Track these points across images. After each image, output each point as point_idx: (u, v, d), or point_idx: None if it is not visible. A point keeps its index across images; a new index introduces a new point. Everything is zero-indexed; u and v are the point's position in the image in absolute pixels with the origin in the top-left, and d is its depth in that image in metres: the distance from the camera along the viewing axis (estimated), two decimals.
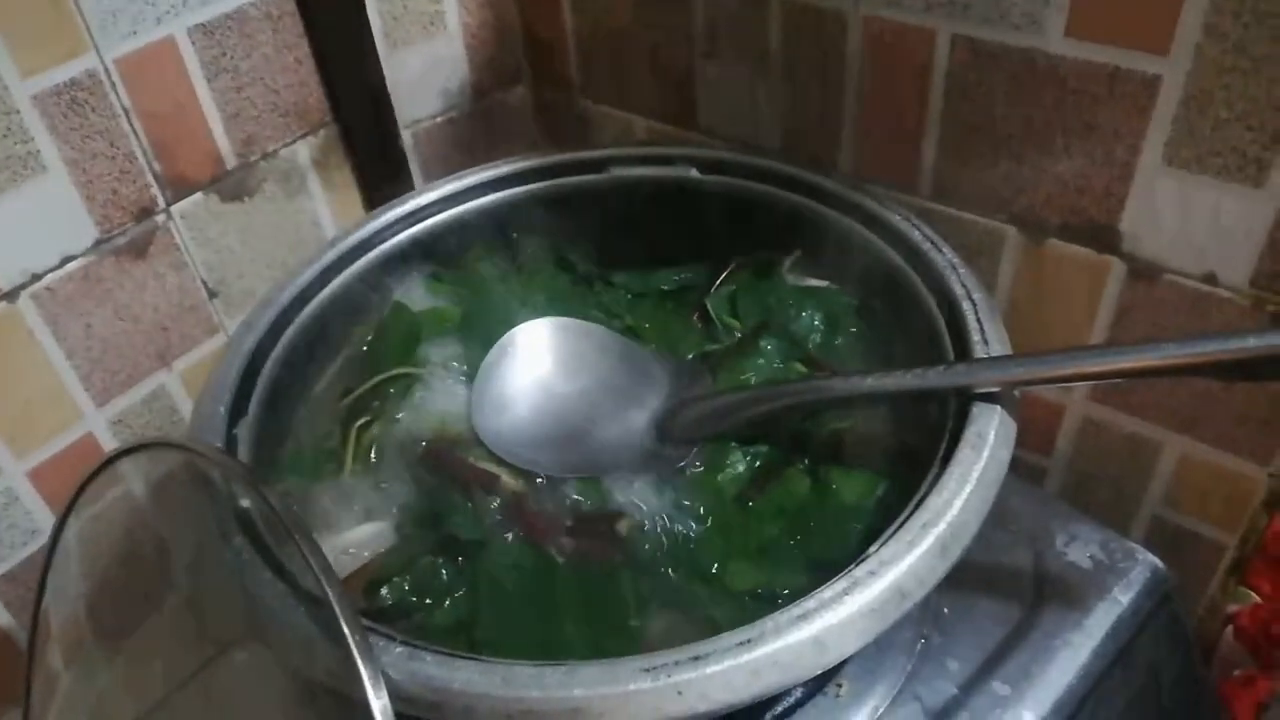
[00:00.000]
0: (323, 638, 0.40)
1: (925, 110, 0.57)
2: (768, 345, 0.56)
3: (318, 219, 0.74)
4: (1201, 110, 0.47)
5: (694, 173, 0.64)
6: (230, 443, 0.49)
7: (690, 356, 0.59)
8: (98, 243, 0.62)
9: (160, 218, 0.65)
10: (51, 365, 0.62)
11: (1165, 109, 0.49)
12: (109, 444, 0.67)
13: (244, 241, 0.70)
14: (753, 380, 0.56)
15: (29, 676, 0.56)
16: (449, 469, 0.52)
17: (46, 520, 0.65)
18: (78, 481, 0.52)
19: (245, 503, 0.46)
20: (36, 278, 0.60)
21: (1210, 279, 0.52)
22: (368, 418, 0.54)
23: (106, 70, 0.59)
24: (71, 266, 0.61)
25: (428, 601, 0.48)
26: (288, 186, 0.71)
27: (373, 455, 0.54)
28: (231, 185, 0.68)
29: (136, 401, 0.67)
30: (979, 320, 0.49)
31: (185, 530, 0.67)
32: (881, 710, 0.50)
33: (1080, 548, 0.55)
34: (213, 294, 0.69)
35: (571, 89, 0.76)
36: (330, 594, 0.39)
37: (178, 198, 0.65)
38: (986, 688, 0.50)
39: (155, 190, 0.64)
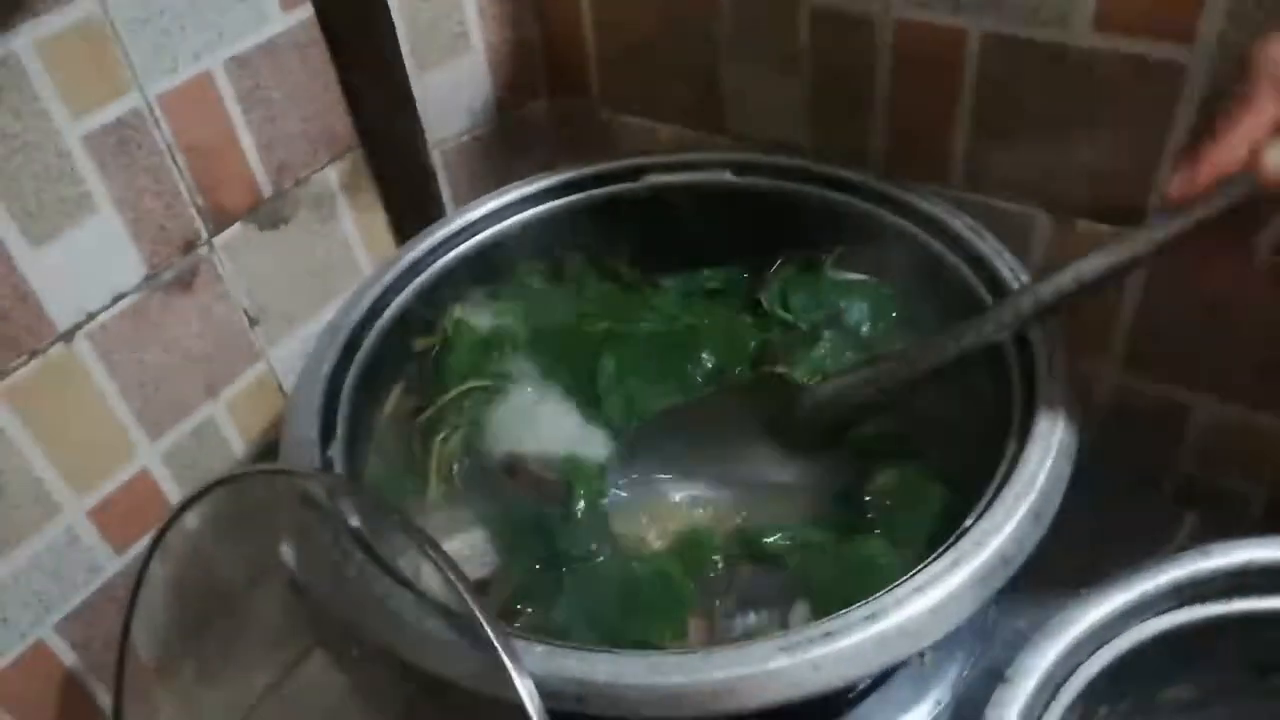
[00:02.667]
0: (463, 643, 0.41)
1: (956, 106, 0.60)
2: (828, 335, 0.58)
3: (348, 242, 0.75)
4: (1224, 96, 0.51)
5: (729, 175, 0.66)
6: (326, 465, 0.50)
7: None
8: (147, 278, 0.62)
9: (204, 250, 0.65)
10: (107, 403, 0.62)
11: (1191, 94, 0.52)
12: (164, 479, 0.67)
13: (281, 268, 0.71)
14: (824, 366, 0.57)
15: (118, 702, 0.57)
16: (529, 483, 0.53)
17: (107, 557, 0.65)
18: (170, 511, 0.52)
19: (354, 522, 0.48)
20: (91, 317, 0.60)
21: None
22: (446, 432, 0.55)
23: (150, 107, 0.60)
24: (123, 304, 0.61)
25: (528, 610, 0.50)
26: (320, 212, 0.72)
27: (454, 468, 0.55)
28: (268, 214, 0.69)
29: (186, 434, 0.68)
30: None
31: (255, 555, 0.68)
32: (965, 673, 0.53)
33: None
34: (254, 322, 0.70)
35: (593, 100, 0.78)
36: (470, 601, 0.41)
37: (219, 229, 0.66)
38: None
39: (199, 223, 0.64)
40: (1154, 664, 0.42)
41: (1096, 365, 0.64)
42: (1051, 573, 0.56)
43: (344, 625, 0.54)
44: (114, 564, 0.65)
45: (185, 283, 0.65)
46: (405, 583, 0.43)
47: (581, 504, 0.52)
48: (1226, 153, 0.39)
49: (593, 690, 0.39)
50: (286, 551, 0.61)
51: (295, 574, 0.59)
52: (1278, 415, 0.60)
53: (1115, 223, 0.59)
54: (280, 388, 0.73)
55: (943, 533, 0.45)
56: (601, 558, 0.51)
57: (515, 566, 0.51)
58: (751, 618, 0.49)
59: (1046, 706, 0.40)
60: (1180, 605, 0.42)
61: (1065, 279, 0.46)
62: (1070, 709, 0.40)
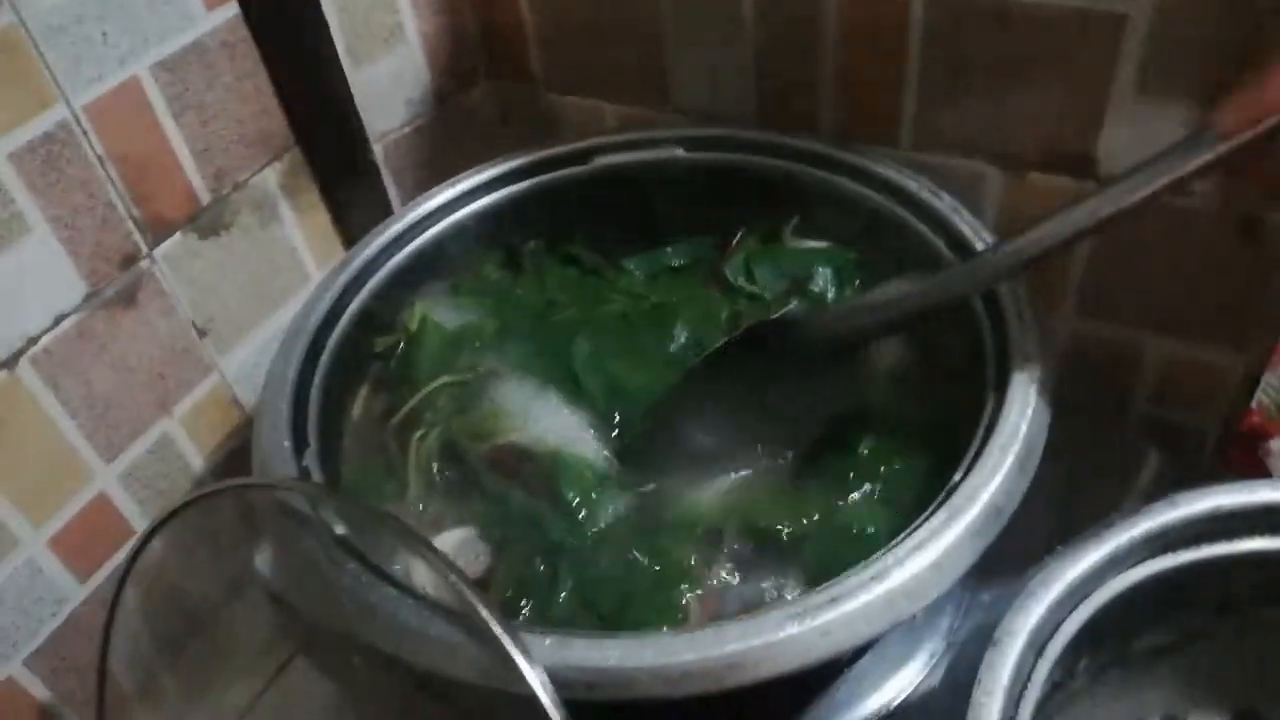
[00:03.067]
0: (470, 642, 0.41)
1: (904, 66, 0.60)
2: (795, 303, 0.59)
3: (293, 245, 0.73)
4: (1167, 41, 0.52)
5: (680, 152, 0.66)
6: (303, 475, 0.49)
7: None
8: (88, 297, 0.60)
9: (145, 263, 0.63)
10: (58, 428, 0.60)
11: (1133, 44, 0.53)
12: (123, 501, 0.65)
13: (226, 277, 0.69)
14: None
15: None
16: (521, 473, 0.53)
17: (72, 587, 0.63)
18: (134, 534, 0.51)
19: (341, 530, 0.46)
20: (33, 341, 0.57)
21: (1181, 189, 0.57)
22: (423, 430, 0.54)
23: (77, 118, 0.57)
24: (66, 325, 0.59)
25: (527, 604, 0.50)
26: (261, 215, 0.70)
27: (434, 466, 0.54)
28: (208, 221, 0.67)
29: (142, 453, 0.66)
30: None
31: (228, 570, 0.67)
32: (956, 625, 0.54)
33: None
34: (202, 333, 0.68)
35: (535, 83, 0.76)
36: (474, 599, 0.40)
37: (159, 240, 0.64)
38: None
39: (137, 236, 0.62)
40: (1130, 613, 0.44)
41: (1052, 312, 0.66)
42: (1027, 515, 0.58)
43: (337, 634, 0.53)
44: (79, 593, 0.63)
45: (128, 298, 0.62)
46: (403, 587, 0.43)
47: (571, 494, 0.51)
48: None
49: (605, 676, 0.39)
50: (263, 564, 0.59)
51: (276, 587, 0.58)
52: (1227, 350, 0.62)
53: (1065, 173, 0.60)
54: (235, 398, 0.71)
55: (929, 489, 0.46)
56: (595, 546, 0.50)
57: (509, 562, 0.50)
58: (748, 590, 0.50)
59: (1034, 664, 0.41)
60: (1152, 555, 0.44)
61: (1049, 233, 0.46)
62: (1055, 664, 0.42)
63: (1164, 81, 0.54)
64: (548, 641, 0.40)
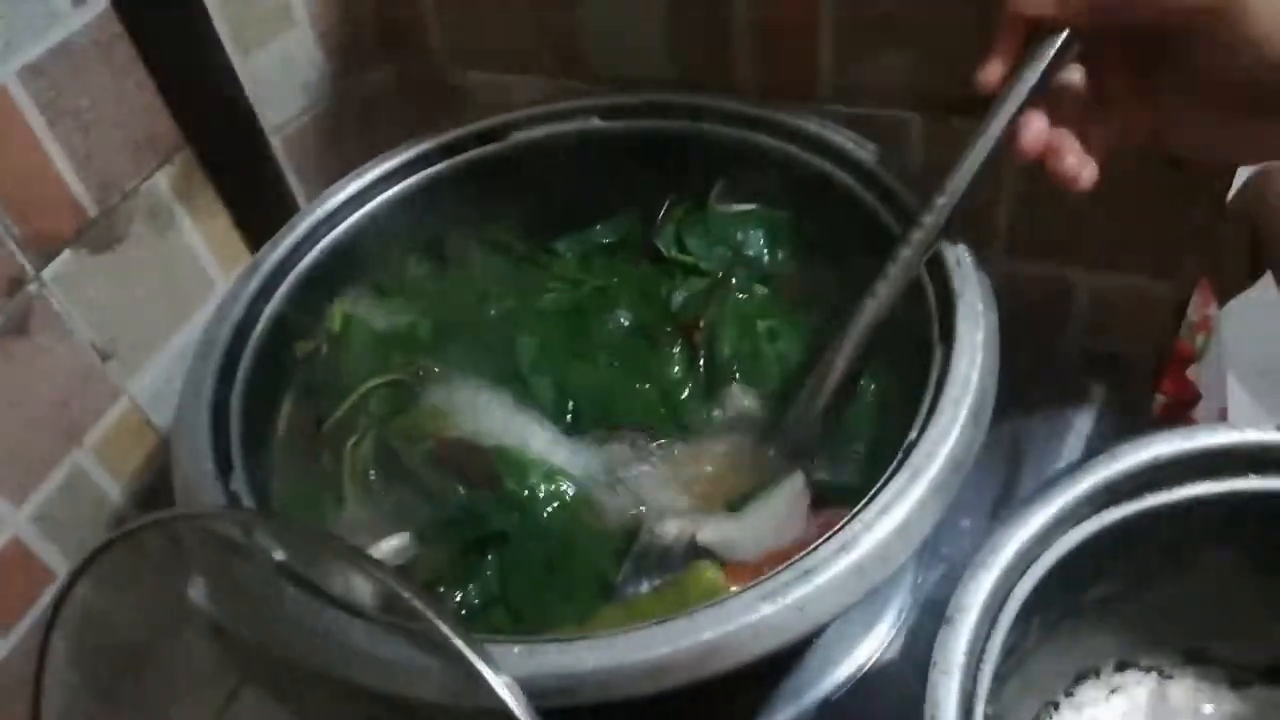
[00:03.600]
0: (431, 660, 0.39)
1: (816, 13, 0.59)
2: (736, 274, 0.57)
3: (194, 252, 0.69)
4: None
5: (597, 121, 0.63)
6: (233, 501, 0.46)
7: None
8: None
9: (33, 287, 0.58)
10: None
11: None
12: (38, 544, 0.61)
13: (124, 294, 0.64)
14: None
15: None
16: (465, 466, 0.50)
17: None
18: (66, 574, 0.47)
19: (279, 556, 0.44)
20: None
21: None
22: (356, 436, 0.51)
23: None
24: None
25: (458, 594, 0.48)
26: (155, 224, 0.66)
27: (370, 473, 0.51)
28: (99, 235, 0.62)
29: (54, 490, 0.61)
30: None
31: (160, 605, 0.63)
32: (920, 580, 0.53)
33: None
34: (105, 356, 0.64)
35: (437, 60, 0.73)
36: (432, 615, 0.38)
37: (45, 261, 0.59)
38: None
39: (20, 258, 0.58)
40: (1078, 569, 0.44)
41: (982, 255, 0.65)
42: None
43: (287, 662, 0.50)
44: (1, 648, 0.59)
45: (19, 327, 0.58)
46: (354, 610, 0.40)
47: (517, 486, 0.49)
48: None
49: (580, 680, 0.38)
50: (199, 595, 0.56)
51: (216, 617, 0.55)
52: (1157, 279, 0.63)
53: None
54: (149, 421, 0.67)
55: (881, 442, 0.45)
56: (532, 538, 0.49)
57: (435, 553, 0.48)
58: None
59: (989, 635, 0.41)
60: (1096, 511, 0.44)
61: (956, 185, 0.48)
62: (1010, 630, 0.42)
63: None
64: (516, 650, 0.38)
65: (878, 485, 0.42)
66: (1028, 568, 0.43)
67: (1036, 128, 0.47)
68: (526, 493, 0.49)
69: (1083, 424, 0.60)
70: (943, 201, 0.49)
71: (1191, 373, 0.77)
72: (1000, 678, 0.42)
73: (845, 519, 0.41)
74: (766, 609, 0.38)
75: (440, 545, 0.49)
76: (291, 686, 0.58)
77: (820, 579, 0.39)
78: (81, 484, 0.63)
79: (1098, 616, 0.49)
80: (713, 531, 0.47)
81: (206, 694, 0.67)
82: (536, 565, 0.49)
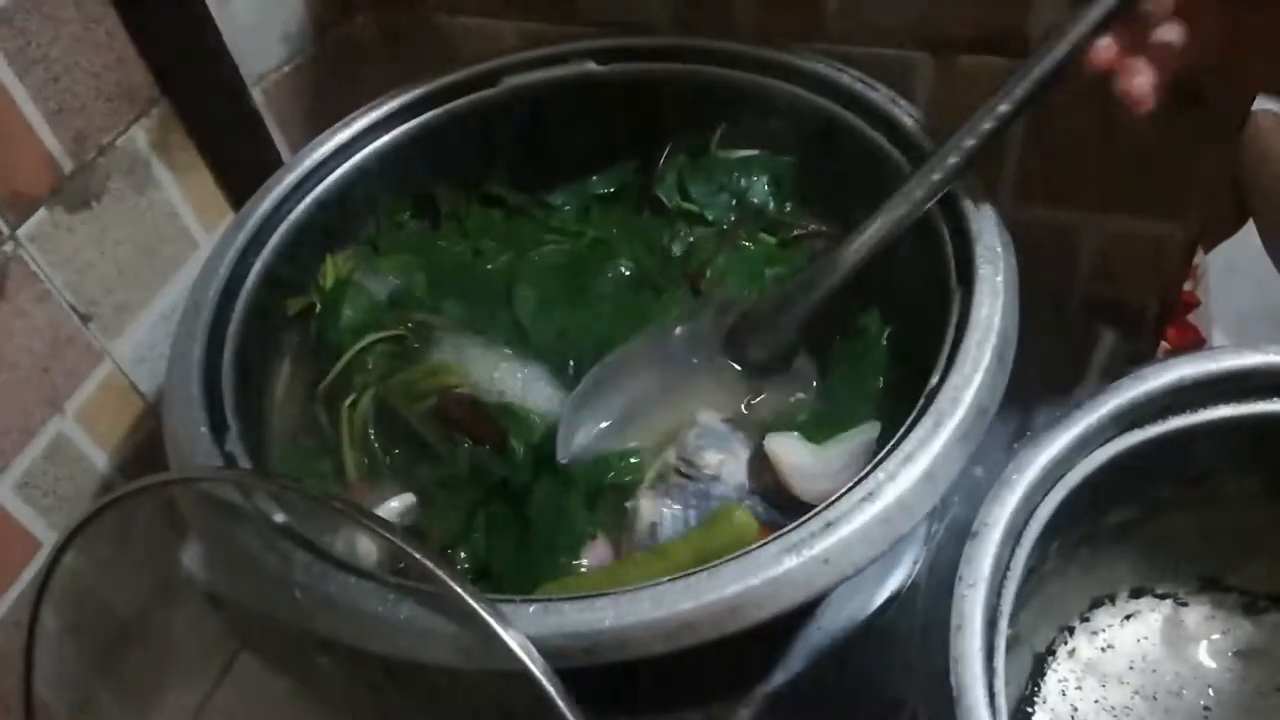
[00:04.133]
0: (444, 620, 0.37)
1: None
2: (740, 222, 0.55)
3: (174, 209, 0.66)
4: None
5: (593, 65, 0.61)
6: (229, 462, 0.44)
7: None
8: None
9: (8, 247, 0.56)
10: None
11: None
12: (22, 513, 0.59)
13: (104, 252, 0.62)
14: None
15: None
16: (470, 422, 0.49)
17: None
18: (56, 542, 0.46)
19: (280, 518, 0.42)
20: None
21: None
22: (354, 395, 0.50)
23: None
24: None
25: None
26: (134, 180, 0.63)
27: (370, 433, 0.50)
28: (75, 192, 0.60)
29: (37, 458, 0.59)
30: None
31: (151, 573, 0.62)
32: (934, 529, 0.52)
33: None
34: (86, 318, 0.61)
35: (422, 4, 0.70)
36: (443, 574, 0.37)
37: (21, 220, 0.57)
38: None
39: None
40: (1100, 492, 0.44)
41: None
42: None
43: (289, 628, 0.49)
44: None
45: None
46: (361, 573, 0.39)
47: (518, 444, 0.48)
48: None
49: (600, 639, 0.36)
50: (193, 562, 0.54)
51: (210, 585, 0.54)
52: (1165, 222, 0.62)
53: (996, 53, 0.58)
54: (133, 385, 0.65)
55: (899, 384, 0.44)
56: (539, 484, 0.47)
57: (443, 514, 0.47)
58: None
59: (1012, 552, 0.40)
60: (1120, 433, 0.43)
61: (983, 124, 0.46)
62: (1032, 549, 0.41)
63: None
64: (531, 610, 0.37)
65: (899, 433, 0.41)
66: (1051, 488, 0.42)
67: (1106, 43, 0.45)
68: (530, 449, 0.48)
69: (1093, 371, 0.59)
70: (995, 116, 0.47)
71: (1194, 319, 0.77)
72: (1018, 600, 0.41)
73: (869, 467, 0.39)
74: (790, 561, 0.37)
75: (445, 507, 0.48)
76: (291, 654, 0.57)
77: (844, 530, 0.38)
78: (66, 451, 0.61)
79: (1115, 542, 0.49)
80: (783, 447, 0.46)
81: (203, 661, 0.66)
82: (533, 526, 0.47)
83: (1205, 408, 0.44)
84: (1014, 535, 0.40)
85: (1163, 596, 0.52)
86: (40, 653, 0.51)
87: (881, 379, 0.50)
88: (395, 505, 0.49)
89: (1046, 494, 0.42)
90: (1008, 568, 0.40)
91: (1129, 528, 0.48)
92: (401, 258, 0.58)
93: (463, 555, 0.46)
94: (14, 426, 0.57)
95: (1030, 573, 0.42)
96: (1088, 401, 0.43)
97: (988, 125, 0.47)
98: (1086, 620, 0.52)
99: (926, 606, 0.40)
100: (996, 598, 0.39)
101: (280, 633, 0.51)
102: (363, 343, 0.52)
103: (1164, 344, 0.74)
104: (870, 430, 0.46)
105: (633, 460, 0.48)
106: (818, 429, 0.49)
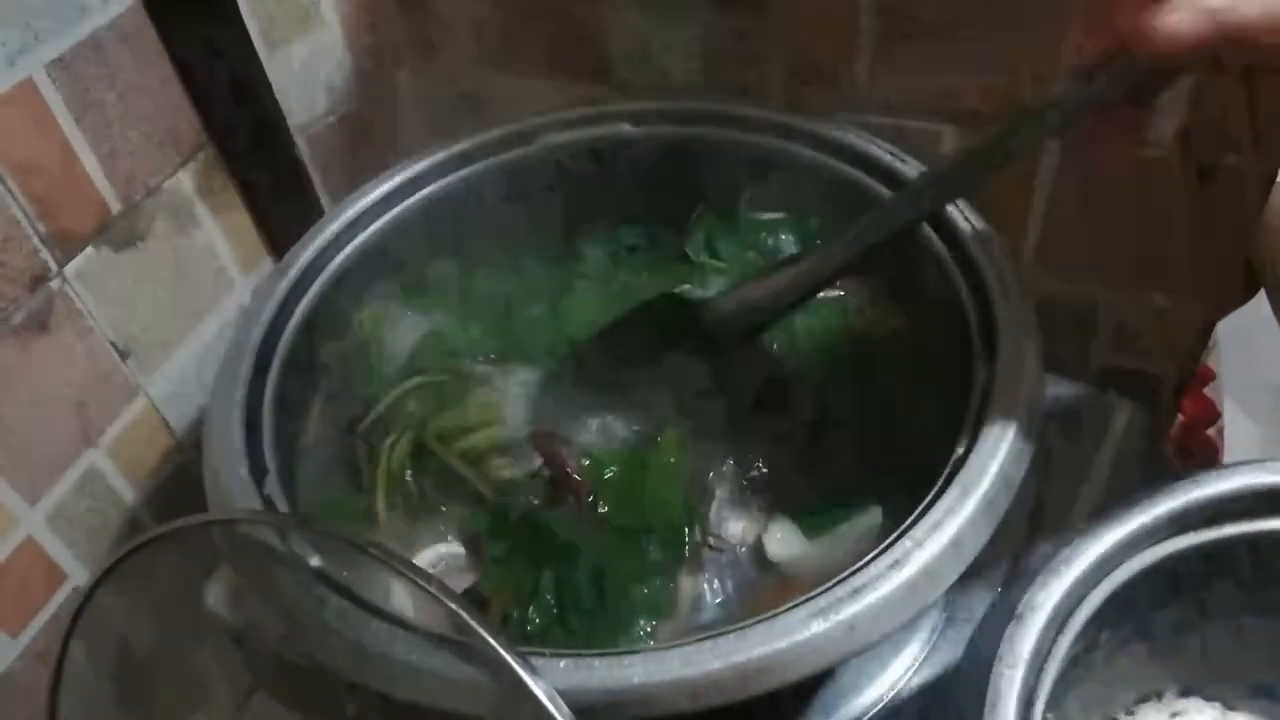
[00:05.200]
0: (475, 672, 0.38)
1: (856, 26, 0.59)
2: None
3: (214, 251, 0.68)
4: None
5: (627, 127, 0.63)
6: (268, 506, 0.45)
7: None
8: None
9: (55, 283, 0.58)
10: None
11: None
12: (51, 545, 0.60)
13: (145, 291, 0.64)
14: None
15: None
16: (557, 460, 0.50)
17: (3, 644, 0.57)
18: (92, 578, 0.46)
19: (315, 562, 0.43)
20: None
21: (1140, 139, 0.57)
22: (394, 436, 0.51)
23: None
24: None
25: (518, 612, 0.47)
26: (177, 222, 0.65)
27: (408, 474, 0.51)
28: (121, 232, 0.61)
29: (69, 490, 0.60)
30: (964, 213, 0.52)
31: (174, 610, 0.62)
32: (952, 598, 0.53)
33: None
34: (124, 354, 0.63)
35: (462, 63, 0.72)
36: (476, 625, 0.37)
37: (68, 257, 0.58)
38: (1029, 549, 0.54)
39: (44, 254, 0.57)
40: (1151, 590, 0.44)
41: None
42: None
43: (305, 669, 0.49)
44: (12, 650, 0.58)
45: (40, 323, 0.57)
46: (395, 620, 0.39)
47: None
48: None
49: (627, 695, 0.37)
50: (217, 601, 0.55)
51: (233, 623, 0.54)
52: (1185, 297, 0.63)
53: None
54: (165, 421, 0.66)
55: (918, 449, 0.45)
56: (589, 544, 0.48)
57: (500, 570, 0.47)
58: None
59: (1055, 639, 0.41)
60: (1174, 534, 0.44)
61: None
62: (1077, 639, 0.42)
63: None
64: (562, 664, 0.38)
65: (926, 501, 0.41)
66: (1100, 580, 0.43)
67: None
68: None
69: (1110, 441, 0.59)
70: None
71: (1210, 391, 0.77)
72: (1064, 686, 0.42)
73: (895, 535, 0.40)
74: (817, 626, 0.38)
75: (502, 560, 0.49)
76: (309, 696, 0.58)
77: (871, 596, 0.38)
78: (96, 484, 0.62)
79: (1166, 640, 0.49)
80: (781, 547, 0.47)
81: (219, 699, 0.67)
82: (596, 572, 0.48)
83: (1261, 518, 0.44)
84: (1058, 622, 0.41)
85: (1211, 699, 0.51)
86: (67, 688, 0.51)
87: (899, 446, 0.51)
88: (438, 550, 0.50)
89: (1096, 585, 0.43)
90: (1049, 653, 0.41)
91: (1181, 628, 0.49)
92: (438, 300, 0.60)
93: (530, 613, 0.46)
94: (49, 459, 0.59)
95: (1076, 659, 0.44)
96: (1144, 500, 0.44)
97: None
98: (1132, 714, 0.51)
99: (964, 686, 0.41)
100: (1035, 680, 0.39)
101: (301, 674, 0.51)
102: (405, 387, 0.53)
103: (1180, 416, 0.75)
104: (873, 516, 0.47)
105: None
106: (818, 516, 0.50)
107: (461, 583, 0.47)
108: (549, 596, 0.47)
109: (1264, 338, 0.79)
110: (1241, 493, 0.43)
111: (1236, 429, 0.88)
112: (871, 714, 0.47)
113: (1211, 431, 0.76)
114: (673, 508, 0.49)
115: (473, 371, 0.54)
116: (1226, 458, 0.77)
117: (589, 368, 0.54)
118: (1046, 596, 0.40)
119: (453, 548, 0.49)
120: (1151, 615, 0.47)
